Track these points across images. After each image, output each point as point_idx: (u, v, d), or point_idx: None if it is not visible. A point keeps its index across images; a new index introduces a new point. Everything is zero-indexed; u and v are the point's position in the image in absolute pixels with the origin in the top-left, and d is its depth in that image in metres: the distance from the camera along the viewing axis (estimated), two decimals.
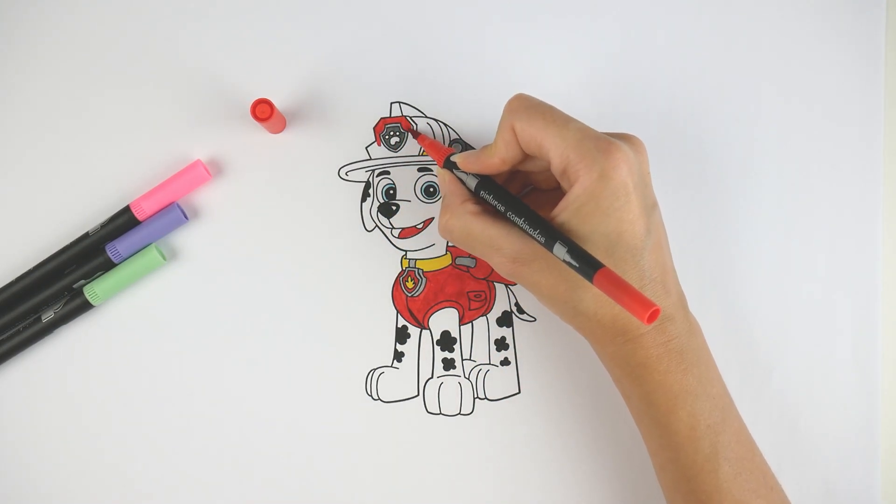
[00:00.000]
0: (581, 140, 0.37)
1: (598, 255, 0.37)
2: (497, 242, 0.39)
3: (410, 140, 0.47)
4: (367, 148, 0.47)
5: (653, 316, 0.32)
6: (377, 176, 0.47)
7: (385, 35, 0.47)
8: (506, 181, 0.44)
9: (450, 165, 0.43)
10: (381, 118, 0.47)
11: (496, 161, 0.40)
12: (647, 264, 0.38)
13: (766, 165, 0.48)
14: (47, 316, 0.46)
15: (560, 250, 0.36)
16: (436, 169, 0.44)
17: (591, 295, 0.38)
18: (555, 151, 0.38)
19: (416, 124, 0.47)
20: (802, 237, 0.48)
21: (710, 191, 0.48)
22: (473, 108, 0.47)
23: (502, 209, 0.40)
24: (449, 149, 0.44)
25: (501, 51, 0.48)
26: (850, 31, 0.48)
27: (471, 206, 0.41)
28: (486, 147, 0.41)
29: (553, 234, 0.37)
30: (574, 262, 0.35)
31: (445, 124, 0.47)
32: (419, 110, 0.47)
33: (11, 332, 0.46)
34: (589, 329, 0.40)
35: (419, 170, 0.47)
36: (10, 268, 0.47)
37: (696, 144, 0.48)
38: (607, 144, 0.37)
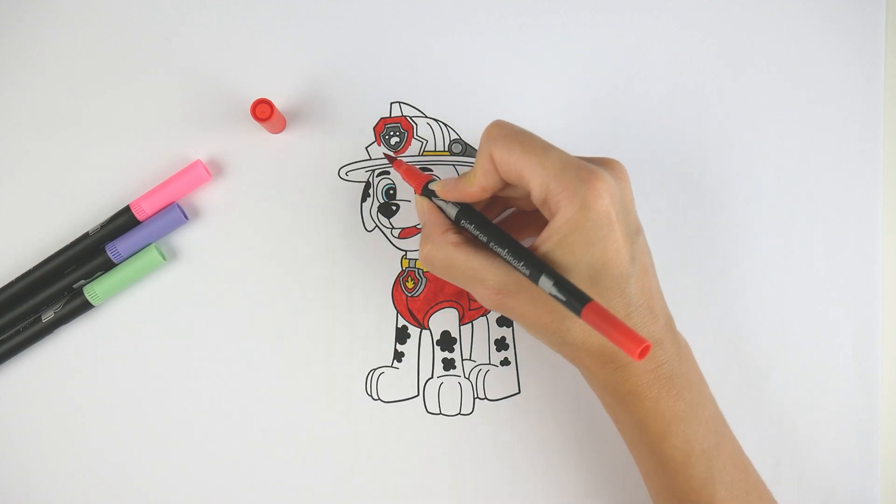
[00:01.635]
0: (561, 169, 0.36)
1: (583, 285, 0.36)
2: (480, 274, 0.38)
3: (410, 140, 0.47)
4: (367, 148, 0.47)
5: (644, 352, 0.32)
6: (377, 176, 0.47)
7: (385, 35, 0.47)
8: (486, 204, 0.43)
9: (428, 193, 0.42)
10: (381, 118, 0.47)
11: (476, 190, 0.39)
12: (634, 291, 0.37)
13: (765, 166, 0.48)
14: (47, 316, 0.46)
15: (546, 283, 0.35)
16: (414, 196, 0.43)
17: (579, 325, 0.38)
18: (535, 181, 0.37)
19: (412, 120, 0.47)
20: (802, 238, 0.48)
21: (710, 191, 0.48)
22: (473, 108, 0.47)
23: (484, 240, 0.39)
24: (427, 175, 0.43)
25: (502, 50, 0.48)
26: (850, 31, 0.48)
27: (452, 237, 0.39)
28: (464, 175, 0.40)
29: (538, 266, 0.36)
30: (561, 296, 0.35)
31: (445, 124, 0.47)
32: (419, 110, 0.47)
33: (11, 332, 0.46)
34: (578, 358, 0.39)
35: (419, 170, 0.47)
36: (10, 268, 0.47)
37: (696, 144, 0.48)
38: (588, 173, 0.36)
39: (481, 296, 0.39)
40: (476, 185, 0.39)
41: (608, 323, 0.33)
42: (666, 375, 0.38)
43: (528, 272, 0.37)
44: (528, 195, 0.39)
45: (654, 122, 0.48)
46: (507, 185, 0.40)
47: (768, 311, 0.48)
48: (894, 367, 0.48)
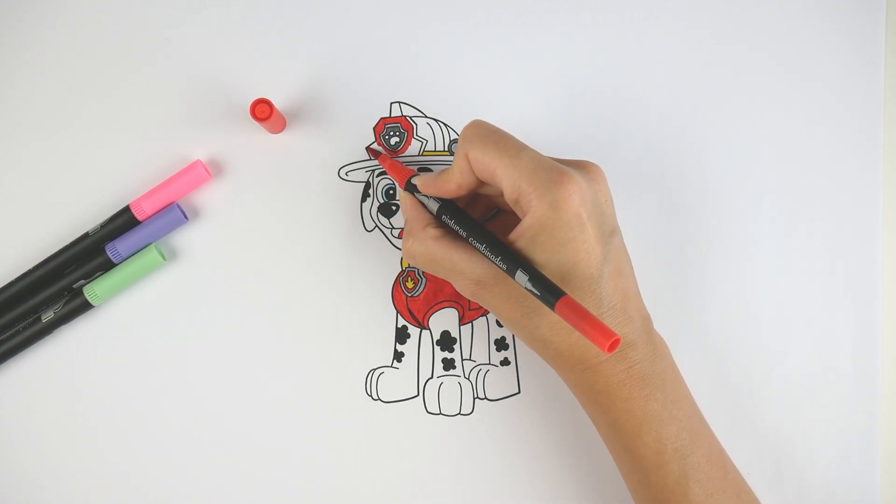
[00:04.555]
0: (533, 170, 0.37)
1: None
2: (459, 267, 0.40)
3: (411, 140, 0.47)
4: (367, 148, 0.47)
5: (613, 345, 0.32)
6: (377, 176, 0.47)
7: (385, 35, 0.47)
8: (470, 202, 0.44)
9: (411, 188, 0.43)
10: (381, 118, 0.47)
11: (452, 187, 0.41)
12: (606, 292, 0.38)
13: (765, 166, 0.48)
14: (47, 316, 0.46)
15: (522, 278, 0.36)
16: (398, 191, 0.44)
17: (548, 322, 0.38)
18: (507, 181, 0.38)
19: (412, 120, 0.47)
20: (802, 238, 0.48)
21: (710, 190, 0.48)
22: (474, 108, 0.47)
23: (464, 234, 0.40)
24: (410, 170, 0.44)
25: (502, 50, 0.48)
26: (850, 31, 0.48)
27: (432, 231, 0.41)
28: (443, 171, 0.41)
29: (515, 261, 0.37)
30: (535, 291, 0.36)
31: (445, 124, 0.47)
32: (419, 110, 0.47)
33: (11, 332, 0.46)
34: (549, 356, 0.40)
35: (419, 170, 0.47)
36: (10, 268, 0.47)
37: (696, 145, 0.48)
38: (559, 175, 0.37)
39: (460, 286, 0.40)
40: (453, 182, 0.41)
41: (579, 316, 0.33)
42: (638, 375, 0.39)
43: (504, 267, 0.37)
44: (503, 194, 0.40)
45: (654, 123, 0.48)
46: (482, 183, 0.40)
47: (768, 311, 0.48)
48: (894, 367, 0.48)
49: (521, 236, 0.38)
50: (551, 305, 0.35)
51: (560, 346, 0.39)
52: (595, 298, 0.38)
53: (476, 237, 0.39)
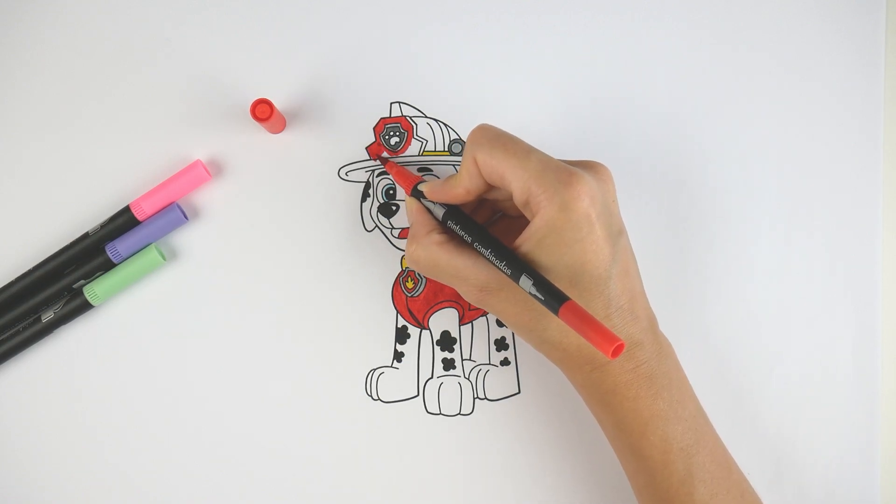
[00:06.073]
0: (542, 171, 0.37)
1: (563, 286, 0.37)
2: (463, 273, 0.39)
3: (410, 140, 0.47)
4: (367, 148, 0.47)
5: (617, 350, 0.32)
6: (377, 176, 0.47)
7: (385, 35, 0.47)
8: (474, 208, 0.44)
9: (417, 194, 0.43)
10: (381, 118, 0.47)
11: (460, 191, 0.41)
12: (614, 293, 0.38)
13: (765, 166, 0.48)
14: (47, 316, 0.46)
15: (526, 283, 0.36)
16: (405, 197, 0.44)
17: (556, 324, 0.38)
18: (516, 183, 0.38)
19: (412, 120, 0.47)
20: (802, 238, 0.48)
21: (710, 191, 0.48)
22: (473, 108, 0.47)
23: (469, 240, 0.40)
24: (417, 177, 0.44)
25: (502, 50, 0.48)
26: (850, 31, 0.48)
27: (436, 237, 0.41)
28: (451, 177, 0.41)
29: (519, 266, 0.37)
30: (540, 296, 0.35)
31: (445, 124, 0.47)
32: (419, 110, 0.47)
33: (11, 332, 0.46)
34: (556, 357, 0.40)
35: (419, 170, 0.47)
36: (10, 268, 0.47)
37: (696, 146, 0.48)
38: (569, 175, 0.37)
39: (464, 292, 0.40)
40: (461, 186, 0.40)
41: (584, 321, 0.33)
42: (645, 375, 0.39)
43: (509, 272, 0.37)
44: (511, 197, 0.40)
45: (653, 123, 0.48)
46: (491, 187, 0.40)
47: (769, 311, 0.48)
48: (894, 367, 0.48)
49: (529, 238, 0.38)
50: (555, 311, 0.35)
51: (569, 347, 0.39)
52: (603, 299, 0.38)
53: (481, 242, 0.39)
